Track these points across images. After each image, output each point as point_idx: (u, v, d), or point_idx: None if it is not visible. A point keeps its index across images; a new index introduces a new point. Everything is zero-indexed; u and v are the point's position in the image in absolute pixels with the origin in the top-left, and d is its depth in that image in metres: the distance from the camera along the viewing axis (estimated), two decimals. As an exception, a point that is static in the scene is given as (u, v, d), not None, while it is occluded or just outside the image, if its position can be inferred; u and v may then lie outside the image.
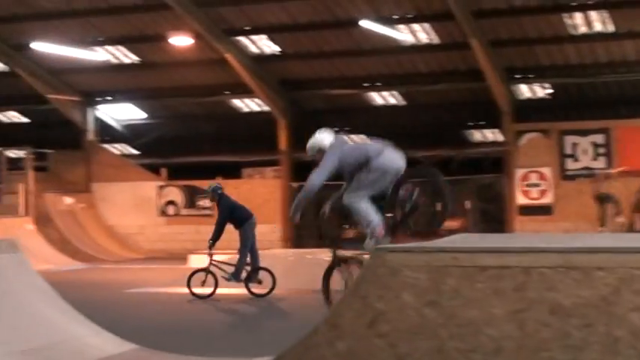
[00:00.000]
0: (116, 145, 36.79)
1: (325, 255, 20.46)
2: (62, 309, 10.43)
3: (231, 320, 15.51)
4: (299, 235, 30.64)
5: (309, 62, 30.58)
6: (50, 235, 28.25)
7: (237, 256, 17.73)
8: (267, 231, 29.34)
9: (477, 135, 34.07)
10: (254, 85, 30.54)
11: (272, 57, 30.64)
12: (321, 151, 10.62)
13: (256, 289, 17.51)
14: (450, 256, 6.80)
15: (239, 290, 17.73)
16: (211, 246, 17.48)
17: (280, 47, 30.15)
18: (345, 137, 10.93)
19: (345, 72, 30.71)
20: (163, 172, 33.41)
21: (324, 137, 10.74)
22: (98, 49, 30.45)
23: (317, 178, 10.45)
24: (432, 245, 7.60)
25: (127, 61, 31.73)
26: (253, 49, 30.21)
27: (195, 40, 28.62)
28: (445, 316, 6.67)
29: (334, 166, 10.47)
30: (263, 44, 30.10)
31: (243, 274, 17.59)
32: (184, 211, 32.33)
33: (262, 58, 30.57)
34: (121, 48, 30.94)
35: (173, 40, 28.81)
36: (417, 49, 29.06)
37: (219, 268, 17.72)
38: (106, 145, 35.54)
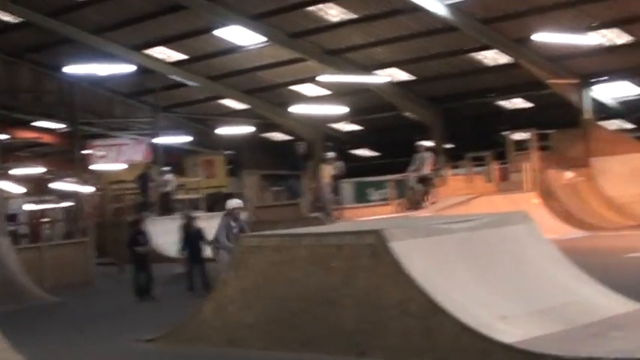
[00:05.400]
0: (611, 121, 35.95)
1: None
2: (571, 272, 10.50)
3: None
4: None
5: None
6: (553, 207, 28.28)
7: None
8: None
9: None
10: None
11: None
12: None
13: None
14: None
15: None
16: None
17: None
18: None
19: None
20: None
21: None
22: (591, 33, 29.93)
23: None
24: None
25: (619, 41, 30.83)
26: None
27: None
28: None
29: None
30: None
31: None
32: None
33: None
34: (614, 30, 30.10)
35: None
36: None
37: None
38: (602, 122, 34.87)
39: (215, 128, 40.54)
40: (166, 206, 29.39)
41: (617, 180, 31.09)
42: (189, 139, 39.83)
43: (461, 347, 8.52)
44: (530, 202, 26.84)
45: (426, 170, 25.10)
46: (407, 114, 37.59)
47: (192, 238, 18.36)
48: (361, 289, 9.66)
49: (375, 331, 9.39)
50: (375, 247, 9.60)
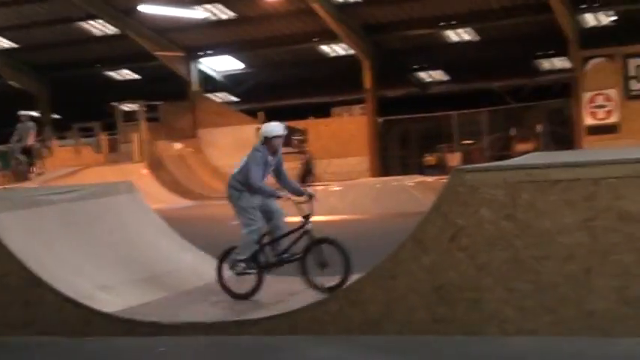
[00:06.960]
0: (218, 94, 37.07)
1: (409, 181, 20.41)
2: (175, 241, 10.58)
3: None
4: (385, 165, 30.56)
5: (389, 6, 30.15)
6: (162, 177, 28.67)
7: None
8: (356, 162, 29.80)
9: (545, 64, 33.55)
10: (339, 31, 30.30)
11: (355, 4, 30.30)
12: None
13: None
14: (524, 172, 6.65)
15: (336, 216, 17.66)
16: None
17: (362, -6, 29.83)
18: None
19: (423, 13, 30.20)
20: (261, 115, 33.52)
21: None
22: (198, 7, 30.54)
23: None
24: (507, 164, 7.46)
25: (224, 17, 31.78)
26: (337, -3, 29.99)
27: (284, -7, 28.53)
28: (520, 227, 6.55)
29: None
30: (346, -8, 29.84)
31: None
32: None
33: (346, 5, 30.27)
34: (219, 5, 30.96)
35: (265, -5, 28.81)
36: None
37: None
38: (209, 95, 35.84)
39: None
40: None
41: (223, 151, 32.13)
42: None
43: (62, 319, 8.26)
44: (139, 172, 26.91)
45: (30, 141, 24.04)
46: (11, 83, 35.93)
47: None
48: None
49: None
50: (-31, 221, 8.98)
